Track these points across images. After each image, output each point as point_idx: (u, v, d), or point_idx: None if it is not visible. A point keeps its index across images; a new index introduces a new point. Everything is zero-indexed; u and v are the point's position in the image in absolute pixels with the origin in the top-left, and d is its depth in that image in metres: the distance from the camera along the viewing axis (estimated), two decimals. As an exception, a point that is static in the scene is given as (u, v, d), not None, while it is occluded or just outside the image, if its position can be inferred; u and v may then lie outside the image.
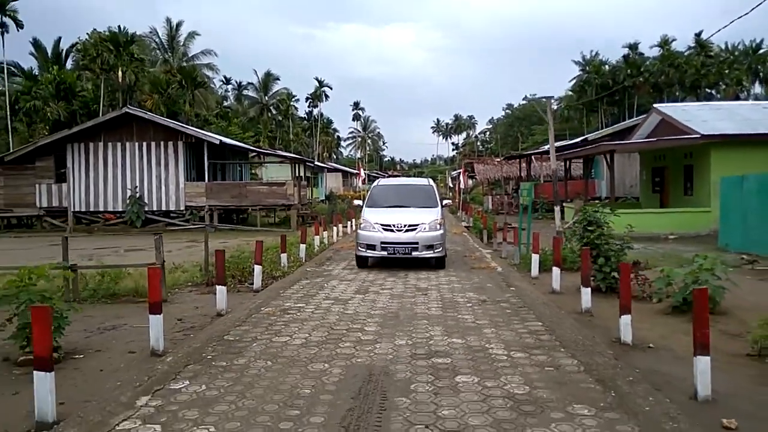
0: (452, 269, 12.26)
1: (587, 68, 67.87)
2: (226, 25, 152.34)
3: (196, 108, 51.01)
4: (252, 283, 10.23)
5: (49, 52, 52.97)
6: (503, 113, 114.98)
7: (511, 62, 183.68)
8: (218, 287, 8.28)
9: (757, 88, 62.89)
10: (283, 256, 12.81)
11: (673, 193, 21.74)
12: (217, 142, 25.70)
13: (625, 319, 6.36)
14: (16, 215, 26.16)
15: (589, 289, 8.08)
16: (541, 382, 5.05)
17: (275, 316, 7.80)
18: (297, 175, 28.40)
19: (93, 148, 25.36)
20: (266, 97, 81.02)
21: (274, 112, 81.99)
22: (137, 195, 25.11)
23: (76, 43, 55.17)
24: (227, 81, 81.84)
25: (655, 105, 24.78)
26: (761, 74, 57.95)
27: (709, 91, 61.62)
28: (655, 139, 20.92)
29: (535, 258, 11.30)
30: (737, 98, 64.84)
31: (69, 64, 53.92)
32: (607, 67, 62.20)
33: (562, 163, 26.94)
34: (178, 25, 58.88)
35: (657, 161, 23.14)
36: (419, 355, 5.89)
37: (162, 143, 25.29)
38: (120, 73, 38.19)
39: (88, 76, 49.00)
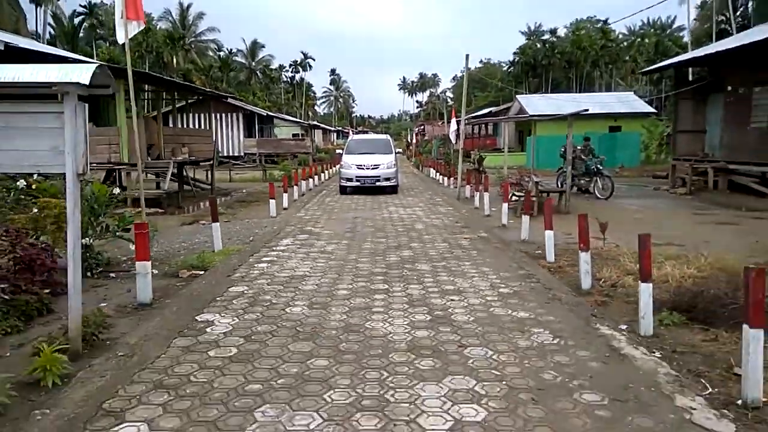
0: (400, 176, 29.46)
1: (531, 38, 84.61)
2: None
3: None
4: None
5: (65, 23, 66.29)
6: (461, 74, 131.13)
7: (476, 19, 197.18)
8: (310, 180, 25.27)
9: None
10: (324, 174, 29.65)
11: (526, 145, 39.25)
12: (264, 114, 42.01)
13: (458, 182, 23.72)
14: (135, 159, 42.09)
15: (440, 175, 25.28)
16: (414, 183, 22.42)
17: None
18: (311, 132, 45.03)
19: (186, 117, 41.26)
20: (253, 63, 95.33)
21: (260, 76, 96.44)
22: (215, 147, 41.32)
23: (87, 13, 69.04)
24: (219, 48, 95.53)
25: (517, 95, 42.29)
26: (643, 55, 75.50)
27: (610, 66, 79.38)
28: (506, 117, 38.25)
29: (432, 170, 28.54)
30: (633, 72, 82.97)
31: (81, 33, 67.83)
32: (530, 49, 79.34)
33: (477, 127, 44.28)
34: (188, 6, 72.94)
35: (521, 126, 40.63)
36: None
37: (230, 114, 41.41)
38: (174, 59, 53.29)
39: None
